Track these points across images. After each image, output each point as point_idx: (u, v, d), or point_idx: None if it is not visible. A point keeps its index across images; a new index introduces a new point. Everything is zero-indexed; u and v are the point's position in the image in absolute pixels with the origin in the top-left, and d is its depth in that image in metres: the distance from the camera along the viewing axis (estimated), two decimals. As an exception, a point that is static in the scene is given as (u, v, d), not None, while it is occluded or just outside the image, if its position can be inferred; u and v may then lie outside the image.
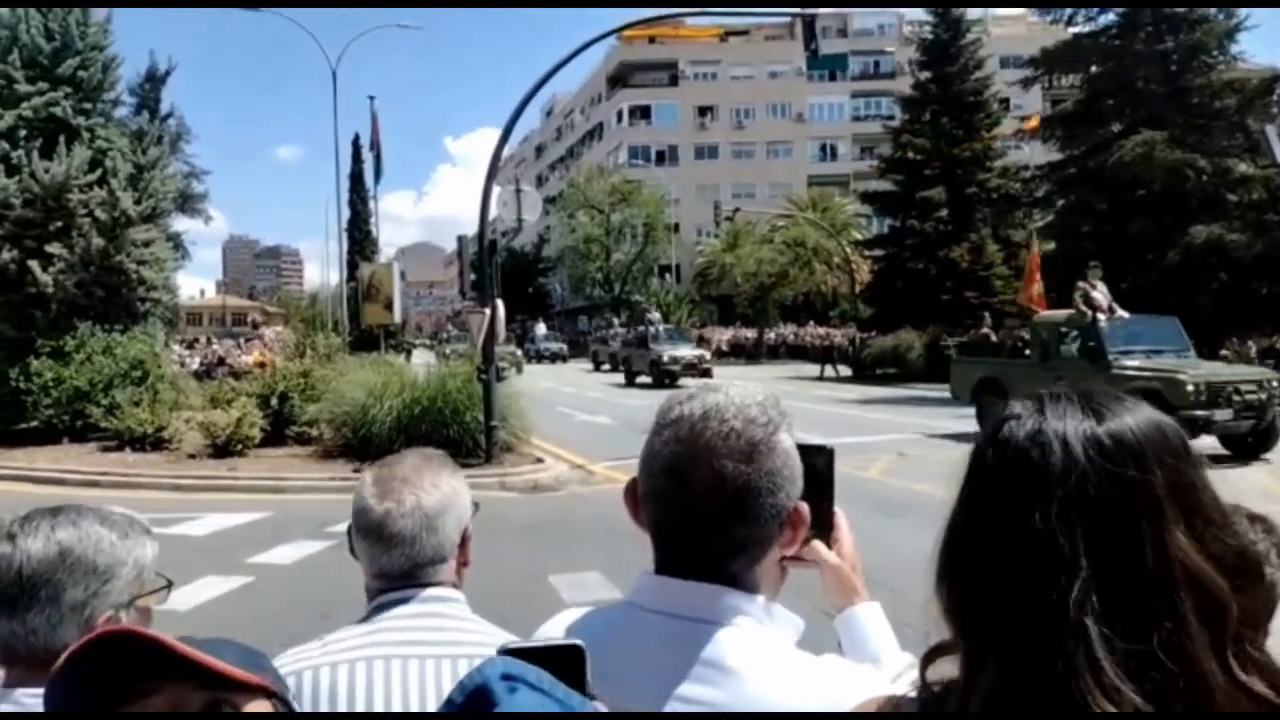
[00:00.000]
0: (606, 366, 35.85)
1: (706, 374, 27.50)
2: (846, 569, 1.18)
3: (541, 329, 50.92)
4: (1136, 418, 0.79)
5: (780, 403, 1.05)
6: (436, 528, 1.41)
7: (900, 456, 12.95)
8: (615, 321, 44.53)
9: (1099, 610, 0.71)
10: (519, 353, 37.15)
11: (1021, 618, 0.74)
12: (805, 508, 1.03)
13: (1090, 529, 0.73)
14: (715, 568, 1.00)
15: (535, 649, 0.80)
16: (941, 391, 21.87)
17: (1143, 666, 0.70)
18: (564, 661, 0.80)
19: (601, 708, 0.79)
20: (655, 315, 35.63)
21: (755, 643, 0.98)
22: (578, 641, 0.82)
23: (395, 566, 1.41)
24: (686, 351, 29.07)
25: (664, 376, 27.03)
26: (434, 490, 1.43)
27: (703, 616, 0.99)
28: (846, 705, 0.92)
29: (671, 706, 0.96)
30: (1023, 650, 0.73)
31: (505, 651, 0.77)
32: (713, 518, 0.99)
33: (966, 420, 16.65)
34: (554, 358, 45.21)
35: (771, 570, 1.05)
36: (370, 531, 1.40)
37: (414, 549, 1.39)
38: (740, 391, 1.04)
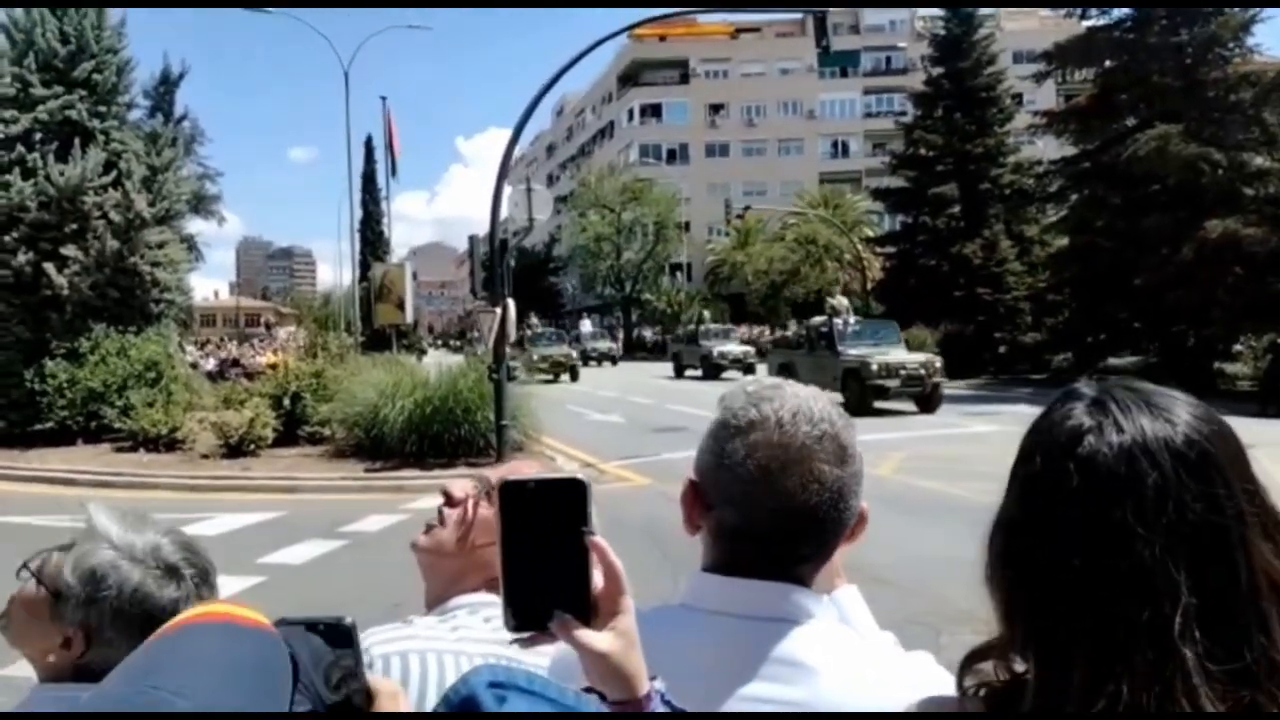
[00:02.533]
0: (697, 372, 31.63)
1: (750, 369, 29.40)
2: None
3: (587, 325, 47.25)
4: (1202, 420, 0.77)
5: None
6: None
7: (913, 454, 12.88)
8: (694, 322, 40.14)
9: (1199, 637, 0.70)
10: (573, 353, 33.22)
11: (1114, 638, 0.71)
12: (868, 507, 1.02)
13: (1190, 554, 0.71)
14: (785, 568, 0.98)
15: (540, 481, 0.85)
16: (955, 388, 21.80)
17: (1235, 683, 0.69)
18: (566, 496, 0.84)
19: (600, 541, 0.84)
20: (705, 314, 39.14)
21: (832, 640, 0.98)
22: (580, 475, 0.86)
23: None
24: (734, 348, 32.20)
25: (715, 370, 30.07)
26: None
27: (775, 615, 0.97)
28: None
29: (740, 706, 0.95)
30: (1113, 668, 0.71)
31: (508, 485, 0.83)
32: (808, 523, 0.97)
33: (982, 418, 16.59)
34: (602, 358, 40.06)
35: (826, 570, 1.04)
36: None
37: None
38: (808, 391, 1.03)
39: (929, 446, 13.62)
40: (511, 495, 0.86)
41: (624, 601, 0.87)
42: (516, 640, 0.88)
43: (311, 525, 8.92)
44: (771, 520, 0.97)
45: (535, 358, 29.10)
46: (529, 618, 0.85)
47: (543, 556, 0.85)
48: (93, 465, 12.73)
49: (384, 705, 0.78)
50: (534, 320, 40.06)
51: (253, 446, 13.07)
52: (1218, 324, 21.77)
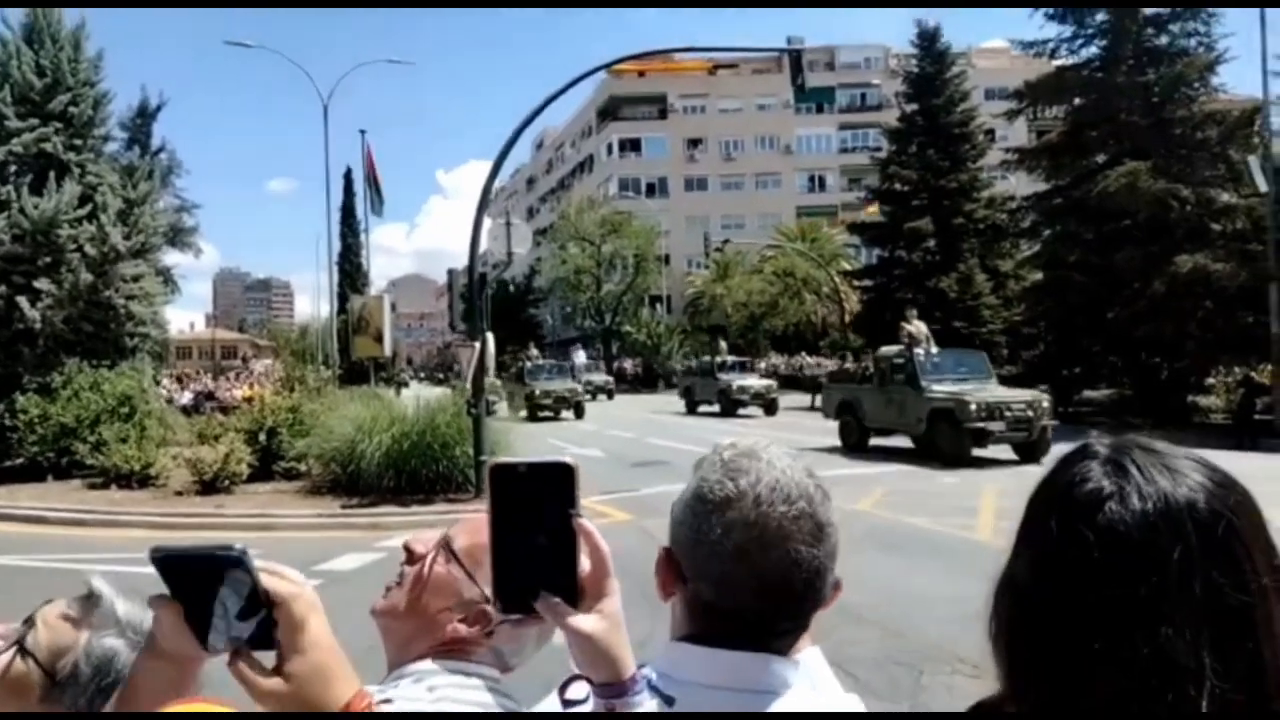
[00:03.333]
0: (714, 407, 29.42)
1: (772, 406, 28.17)
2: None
3: (581, 356, 43.29)
4: (1224, 486, 0.75)
5: (814, 469, 1.02)
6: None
7: (892, 490, 12.90)
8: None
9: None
10: (578, 388, 30.18)
11: (1134, 711, 0.69)
12: (839, 576, 1.00)
13: (1215, 633, 0.69)
14: (764, 641, 0.97)
15: (531, 464, 0.86)
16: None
17: None
18: (555, 480, 0.86)
19: (588, 524, 0.86)
20: (723, 345, 35.48)
21: (809, 710, 0.97)
22: (568, 459, 0.87)
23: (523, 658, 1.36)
24: (754, 381, 29.70)
25: (732, 406, 28.04)
26: None
27: (754, 687, 0.95)
28: None
29: None
30: None
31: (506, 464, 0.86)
32: (787, 603, 0.96)
33: (880, 442, 16.82)
34: (597, 392, 36.17)
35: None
36: None
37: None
38: (785, 461, 0.99)
39: (908, 481, 13.65)
40: (501, 477, 0.87)
41: (610, 584, 0.88)
42: (505, 621, 0.90)
43: (285, 564, 8.72)
44: (749, 599, 0.95)
45: (537, 393, 28.05)
46: (516, 600, 0.87)
47: (531, 539, 0.86)
48: (64, 502, 12.49)
49: (294, 610, 0.77)
50: (534, 352, 37.40)
51: (227, 483, 12.89)
52: (1191, 357, 22.09)
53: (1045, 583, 0.76)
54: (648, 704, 0.89)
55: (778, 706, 0.96)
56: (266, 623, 0.77)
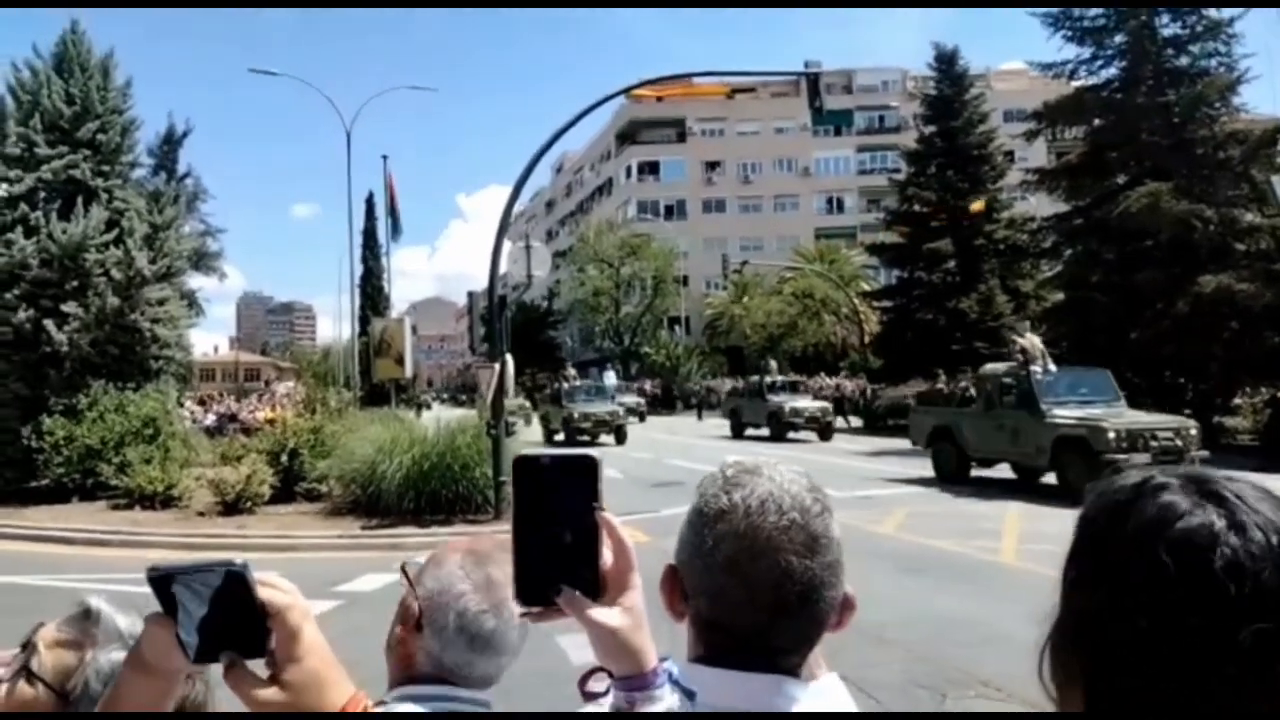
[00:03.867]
0: (762, 430, 27.69)
1: (828, 430, 26.62)
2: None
3: (611, 377, 39.01)
4: None
5: (822, 487, 1.01)
6: (527, 633, 1.40)
7: (915, 512, 12.79)
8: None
9: None
10: (619, 410, 27.95)
11: None
12: (853, 592, 0.99)
13: None
14: (770, 659, 0.95)
15: (554, 457, 0.87)
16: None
17: None
18: (578, 473, 0.87)
19: (610, 518, 0.87)
20: (772, 364, 32.80)
21: None
22: (593, 453, 0.88)
23: (486, 676, 1.37)
24: (808, 403, 27.80)
25: (784, 429, 26.43)
26: None
27: (760, 709, 0.94)
28: None
29: None
30: None
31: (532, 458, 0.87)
32: (781, 617, 0.94)
33: (984, 473, 16.48)
34: (628, 414, 31.86)
35: (817, 653, 1.02)
36: (480, 639, 1.34)
37: (508, 660, 1.38)
38: (788, 476, 0.99)
39: (930, 504, 13.53)
40: (525, 470, 0.88)
41: (633, 578, 0.89)
42: (526, 614, 0.89)
43: (306, 584, 8.64)
44: (743, 613, 0.94)
45: (576, 415, 26.49)
46: (537, 594, 0.87)
47: (553, 532, 0.86)
48: (88, 524, 12.60)
49: (289, 620, 0.79)
50: (571, 372, 35.17)
51: (249, 504, 12.96)
52: (1215, 378, 21.82)
53: (1151, 625, 0.70)
54: (669, 698, 0.89)
55: None
56: (261, 633, 0.78)
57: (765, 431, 27.49)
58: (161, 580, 0.78)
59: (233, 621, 0.78)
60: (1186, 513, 0.72)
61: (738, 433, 28.86)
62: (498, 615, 1.34)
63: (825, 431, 26.88)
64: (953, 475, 15.87)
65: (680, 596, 0.99)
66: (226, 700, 0.96)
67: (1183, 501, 0.73)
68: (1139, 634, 0.70)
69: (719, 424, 32.23)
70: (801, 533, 0.94)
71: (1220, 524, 0.71)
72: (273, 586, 0.80)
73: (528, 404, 38.44)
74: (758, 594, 0.93)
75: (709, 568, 0.95)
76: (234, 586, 0.78)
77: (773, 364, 32.67)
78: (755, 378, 31.07)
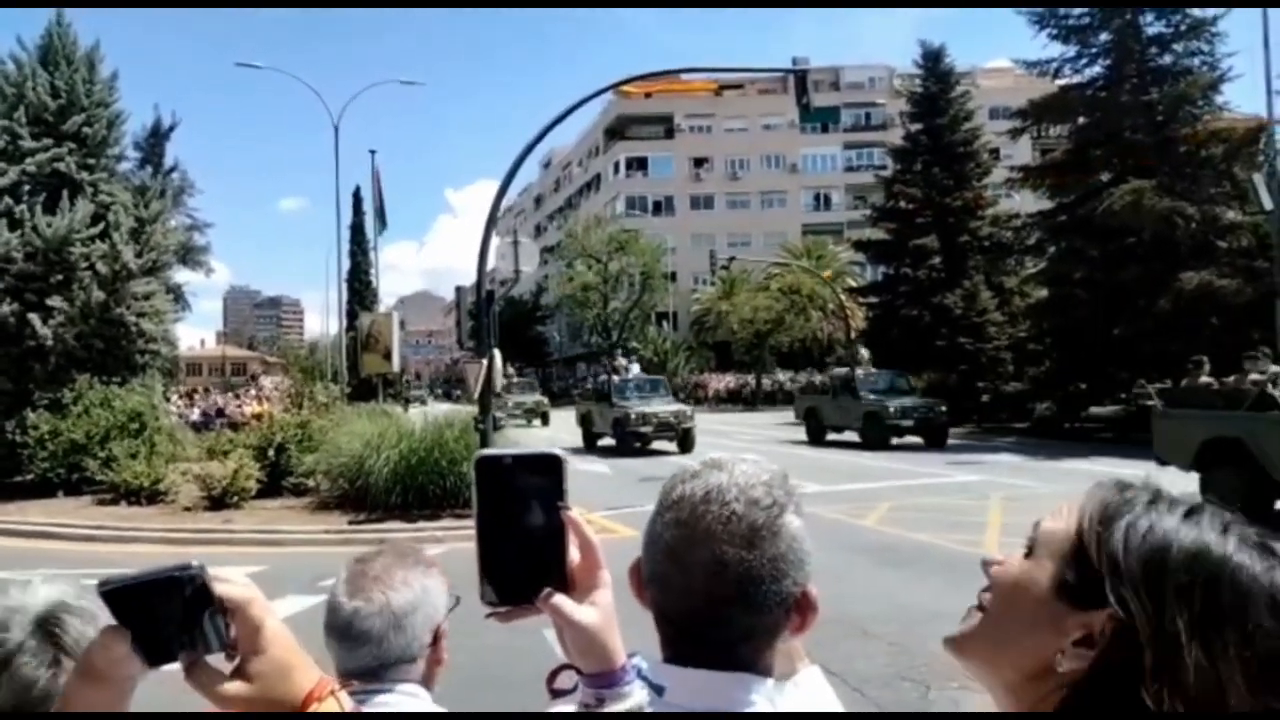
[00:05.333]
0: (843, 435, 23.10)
1: (941, 433, 21.72)
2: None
3: (636, 369, 33.50)
4: None
5: (789, 480, 1.00)
6: (404, 627, 1.40)
7: (897, 505, 12.91)
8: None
9: None
10: (686, 410, 22.62)
11: None
12: (815, 593, 0.97)
13: None
14: (724, 655, 0.95)
15: (517, 456, 0.87)
16: (939, 438, 21.81)
17: None
18: (542, 472, 0.86)
19: (576, 516, 0.87)
20: (864, 353, 26.32)
21: None
22: (557, 451, 0.88)
23: (361, 665, 1.38)
24: (909, 401, 22.45)
25: (885, 434, 21.42)
26: (404, 588, 1.41)
27: (726, 707, 0.93)
28: None
29: None
30: None
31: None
32: (713, 606, 0.93)
33: (966, 468, 16.62)
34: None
35: (784, 652, 1.00)
36: (337, 629, 1.38)
37: (380, 648, 1.38)
38: (746, 470, 0.98)
39: (913, 496, 13.64)
40: (487, 470, 0.88)
41: (602, 575, 0.89)
42: (493, 614, 0.89)
43: (293, 579, 8.81)
44: (680, 600, 0.95)
45: (632, 416, 21.36)
46: (506, 592, 0.87)
47: (519, 531, 0.87)
48: (74, 518, 12.56)
49: (250, 614, 0.79)
50: (621, 361, 29.55)
51: (235, 499, 12.95)
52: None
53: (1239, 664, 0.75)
54: (638, 694, 0.89)
55: None
56: (220, 629, 0.78)
57: (851, 436, 22.61)
58: (114, 594, 0.76)
59: (190, 621, 0.77)
60: (1267, 570, 0.77)
61: (816, 437, 23.83)
62: (350, 599, 1.36)
63: (937, 434, 21.58)
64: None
65: (641, 585, 1.00)
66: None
67: (1258, 563, 0.78)
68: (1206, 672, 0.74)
69: (721, 420, 31.95)
70: (741, 524, 0.93)
71: (1265, 567, 0.77)
72: (229, 582, 0.79)
73: (544, 400, 39.00)
74: (693, 581, 0.93)
75: (655, 556, 0.97)
76: (191, 588, 0.77)
77: (864, 352, 26.14)
78: (842, 370, 25.14)
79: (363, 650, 1.38)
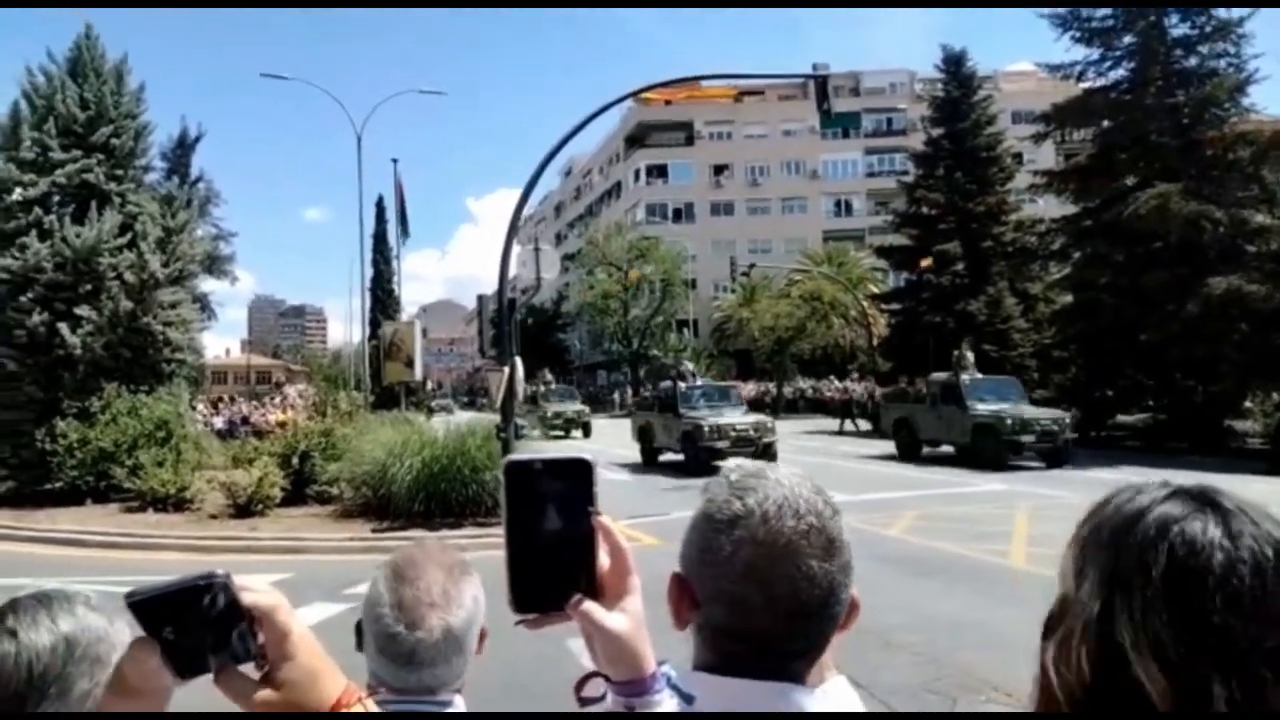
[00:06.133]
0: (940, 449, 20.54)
1: (1063, 450, 18.62)
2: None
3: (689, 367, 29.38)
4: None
5: (825, 490, 1.00)
6: (464, 647, 1.39)
7: (924, 514, 12.79)
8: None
9: None
10: (767, 421, 19.91)
11: None
12: (858, 596, 0.98)
13: None
14: (780, 666, 0.94)
15: (547, 461, 0.86)
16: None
17: None
18: (572, 477, 0.85)
19: (607, 521, 0.86)
20: (968, 355, 22.01)
21: None
22: (587, 455, 0.88)
23: (422, 685, 1.38)
24: (1033, 412, 19.41)
25: (1002, 452, 18.31)
26: (459, 609, 1.39)
27: (769, 714, 0.93)
28: None
29: None
30: None
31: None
32: (794, 620, 0.92)
33: (989, 477, 16.45)
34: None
35: (826, 655, 1.00)
36: (399, 658, 1.36)
37: (441, 670, 1.37)
38: (793, 479, 0.97)
39: (938, 506, 13.51)
40: (517, 475, 0.87)
41: (632, 581, 0.88)
42: (523, 621, 0.88)
43: (317, 587, 8.85)
44: (762, 619, 0.92)
45: (705, 429, 18.52)
46: (534, 599, 0.86)
47: (548, 537, 0.85)
48: (102, 526, 12.69)
49: (277, 621, 0.80)
50: (688, 365, 24.32)
51: (260, 506, 13.04)
52: (1226, 380, 21.73)
53: (1148, 627, 0.74)
54: (667, 703, 0.88)
55: None
56: (246, 638, 0.78)
57: (947, 449, 20.17)
58: (141, 605, 0.77)
59: (218, 630, 0.77)
60: (1185, 518, 0.77)
61: (910, 453, 20.90)
62: (412, 632, 1.34)
63: (1059, 453, 18.51)
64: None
65: (689, 605, 0.97)
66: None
67: (1183, 509, 0.77)
68: (1140, 632, 0.74)
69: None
70: (820, 536, 0.93)
71: (1216, 531, 0.75)
72: (254, 590, 0.80)
73: (585, 409, 33.90)
74: (777, 599, 0.92)
75: (725, 574, 0.93)
76: (217, 597, 0.77)
77: (969, 354, 21.83)
78: (944, 375, 21.34)
79: (424, 673, 1.37)
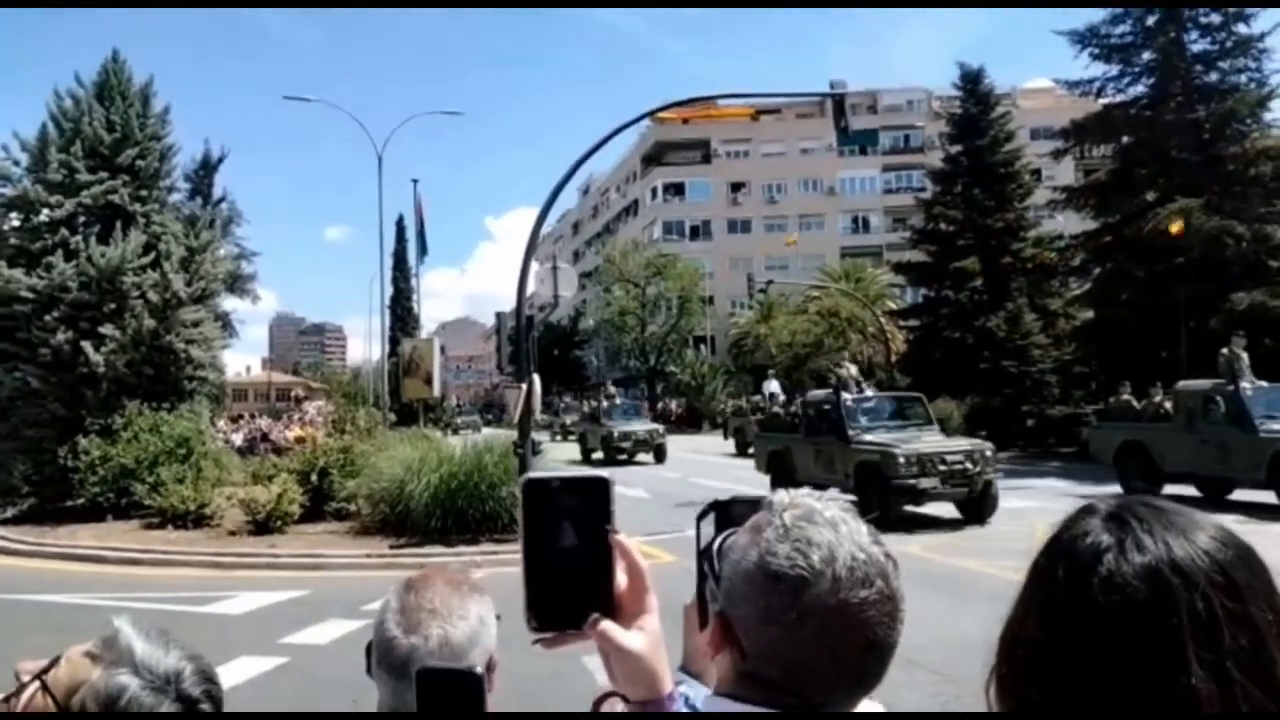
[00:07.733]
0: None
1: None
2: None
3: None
4: (1222, 543, 0.77)
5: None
6: (464, 663, 1.34)
7: (943, 531, 12.68)
8: None
9: None
10: (983, 449, 13.73)
11: None
12: None
13: (1229, 680, 0.71)
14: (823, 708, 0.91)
15: (564, 479, 0.88)
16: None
17: None
18: (589, 495, 0.87)
19: (624, 539, 0.89)
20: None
21: None
22: (604, 474, 0.89)
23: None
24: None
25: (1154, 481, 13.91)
26: (461, 622, 1.36)
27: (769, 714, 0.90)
28: None
29: None
30: None
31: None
32: (860, 686, 0.90)
33: (1013, 494, 16.28)
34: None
35: None
36: (395, 667, 1.32)
37: None
38: (851, 525, 0.92)
39: (957, 524, 13.38)
40: (534, 493, 0.88)
41: (649, 600, 0.87)
42: (539, 640, 0.87)
43: (335, 604, 8.88)
44: (824, 683, 0.89)
45: (900, 462, 12.96)
46: (551, 617, 0.86)
47: (565, 555, 0.85)
48: (122, 542, 12.81)
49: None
50: (852, 370, 17.39)
51: (279, 523, 13.11)
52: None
53: (1055, 634, 0.78)
54: None
55: None
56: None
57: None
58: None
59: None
60: (1086, 533, 0.80)
61: (1141, 483, 14.38)
62: (408, 636, 1.30)
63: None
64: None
65: (737, 654, 0.90)
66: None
67: (1093, 524, 0.80)
68: (1049, 644, 0.78)
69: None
70: (890, 604, 0.90)
71: (1105, 544, 0.78)
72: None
73: (659, 428, 27.88)
74: (844, 666, 0.88)
75: (789, 639, 0.87)
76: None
77: (1244, 355, 15.59)
78: (1200, 384, 15.47)
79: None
